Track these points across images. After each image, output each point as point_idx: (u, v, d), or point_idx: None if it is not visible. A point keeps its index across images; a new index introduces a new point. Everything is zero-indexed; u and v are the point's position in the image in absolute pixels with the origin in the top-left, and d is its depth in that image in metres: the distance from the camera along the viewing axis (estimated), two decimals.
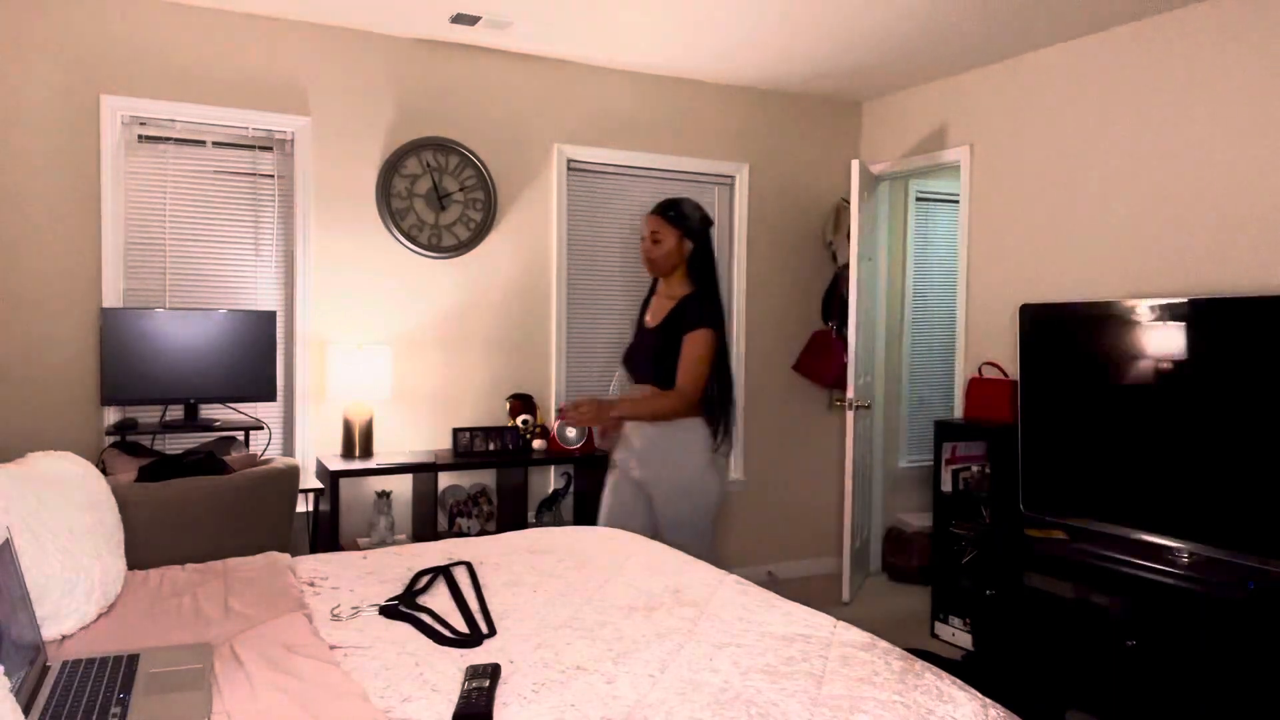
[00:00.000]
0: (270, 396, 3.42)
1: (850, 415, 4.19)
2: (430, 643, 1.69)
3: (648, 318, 3.13)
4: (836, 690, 1.49)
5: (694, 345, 2.90)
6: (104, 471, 2.86)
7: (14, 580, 1.43)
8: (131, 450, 3.02)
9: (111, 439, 3.28)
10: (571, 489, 4.02)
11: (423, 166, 3.82)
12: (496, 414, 4.01)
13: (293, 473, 2.88)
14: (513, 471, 3.81)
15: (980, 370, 4.06)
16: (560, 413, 2.98)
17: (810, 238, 4.75)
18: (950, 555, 3.91)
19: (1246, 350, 2.80)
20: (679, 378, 2.90)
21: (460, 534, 3.77)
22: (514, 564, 2.25)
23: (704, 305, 2.97)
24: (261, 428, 3.43)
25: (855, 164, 4.12)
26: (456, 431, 3.74)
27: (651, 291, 3.22)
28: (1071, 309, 3.33)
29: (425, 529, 3.66)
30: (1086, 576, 3.08)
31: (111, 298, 3.34)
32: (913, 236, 5.04)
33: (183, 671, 1.47)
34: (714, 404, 2.98)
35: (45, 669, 1.47)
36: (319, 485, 3.31)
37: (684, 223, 3.02)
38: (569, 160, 4.15)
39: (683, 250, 3.03)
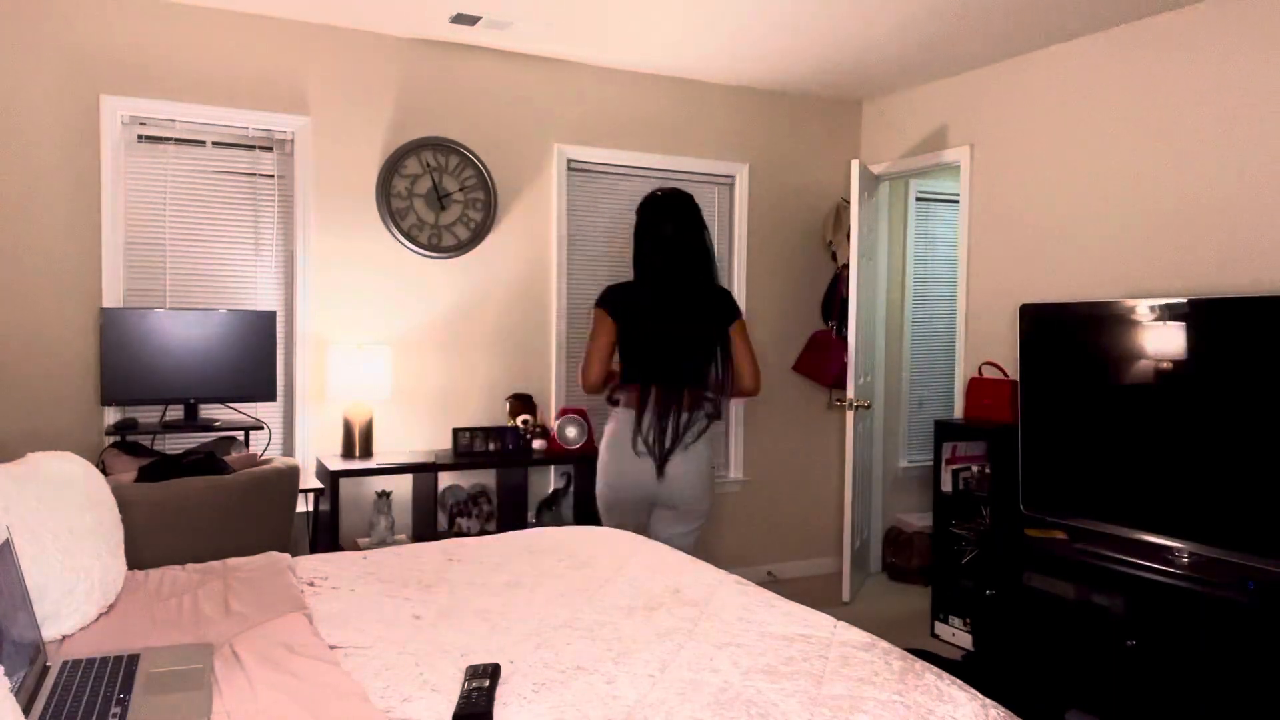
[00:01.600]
0: (270, 396, 3.42)
1: (850, 415, 4.19)
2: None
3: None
4: (836, 690, 1.49)
5: (746, 334, 3.07)
6: (104, 471, 2.85)
7: (14, 580, 1.43)
8: (131, 450, 3.02)
9: (111, 439, 3.28)
10: (572, 489, 4.02)
11: (423, 166, 3.82)
12: (496, 414, 4.01)
13: (293, 473, 2.88)
14: (513, 471, 3.81)
15: (980, 370, 4.06)
16: None
17: (810, 238, 4.75)
18: (950, 555, 3.91)
19: (1246, 350, 2.80)
20: (751, 373, 3.03)
21: (460, 534, 3.78)
22: (514, 564, 2.25)
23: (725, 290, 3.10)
24: (261, 428, 3.43)
25: (855, 164, 4.12)
26: (457, 431, 3.74)
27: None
28: (1071, 309, 3.33)
29: (425, 529, 3.66)
30: (1086, 576, 3.08)
31: (111, 298, 3.34)
32: (913, 236, 5.04)
33: (183, 671, 1.47)
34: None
35: (45, 669, 1.47)
36: (319, 485, 3.31)
37: None
38: (569, 160, 4.15)
39: None
